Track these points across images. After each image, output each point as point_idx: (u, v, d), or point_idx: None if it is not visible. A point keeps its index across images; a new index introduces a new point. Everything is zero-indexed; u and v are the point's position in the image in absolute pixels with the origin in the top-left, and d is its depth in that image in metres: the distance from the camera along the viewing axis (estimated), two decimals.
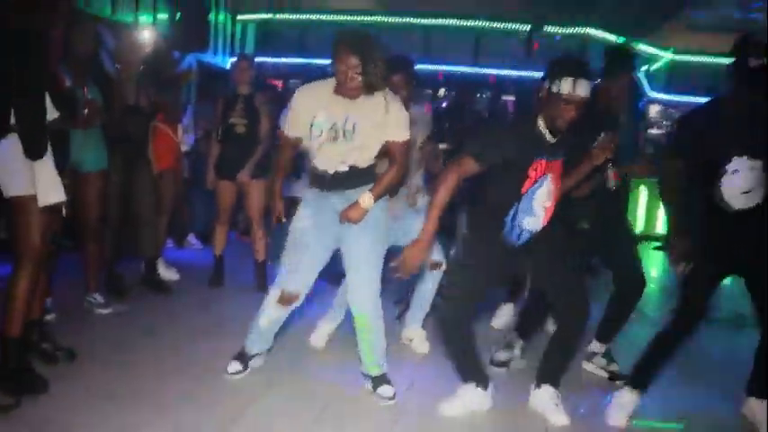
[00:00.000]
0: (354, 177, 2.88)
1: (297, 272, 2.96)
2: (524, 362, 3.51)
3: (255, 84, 4.74)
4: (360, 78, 2.69)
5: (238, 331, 3.25)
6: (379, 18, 10.54)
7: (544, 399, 2.92)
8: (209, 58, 9.45)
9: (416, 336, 3.74)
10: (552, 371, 2.95)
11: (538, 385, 2.96)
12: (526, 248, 2.78)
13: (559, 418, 2.86)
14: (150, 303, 4.18)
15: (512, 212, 2.68)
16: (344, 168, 2.86)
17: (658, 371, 2.98)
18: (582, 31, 10.36)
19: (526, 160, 2.63)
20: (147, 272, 4.44)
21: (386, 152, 2.90)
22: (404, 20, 10.48)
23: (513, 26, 10.38)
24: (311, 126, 2.81)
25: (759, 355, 2.92)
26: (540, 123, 2.64)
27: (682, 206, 2.91)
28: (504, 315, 4.28)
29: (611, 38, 10.48)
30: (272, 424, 2.71)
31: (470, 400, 2.93)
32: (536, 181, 2.65)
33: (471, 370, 2.94)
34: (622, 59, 3.32)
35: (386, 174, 2.88)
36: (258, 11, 11.60)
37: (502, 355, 3.50)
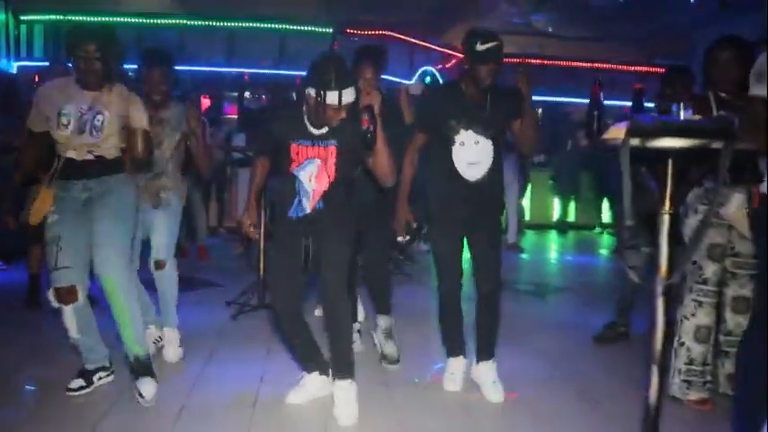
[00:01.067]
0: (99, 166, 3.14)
1: (66, 268, 3.08)
2: (362, 345, 3.97)
3: None
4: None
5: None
6: (180, 21, 10.75)
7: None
8: None
9: (167, 336, 3.85)
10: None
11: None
12: (308, 229, 3.05)
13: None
14: None
15: (294, 195, 3.01)
16: (90, 157, 3.11)
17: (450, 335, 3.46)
18: (380, 33, 11.36)
19: (286, 144, 3.00)
20: None
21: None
22: (206, 23, 10.79)
23: (316, 29, 11.15)
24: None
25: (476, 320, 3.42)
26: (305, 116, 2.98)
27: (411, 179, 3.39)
28: None
29: (408, 38, 11.61)
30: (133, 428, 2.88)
31: (314, 387, 3.20)
32: (300, 164, 2.98)
33: (311, 359, 3.21)
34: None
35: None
36: (45, 11, 11.31)
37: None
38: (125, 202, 3.18)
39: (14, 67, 10.74)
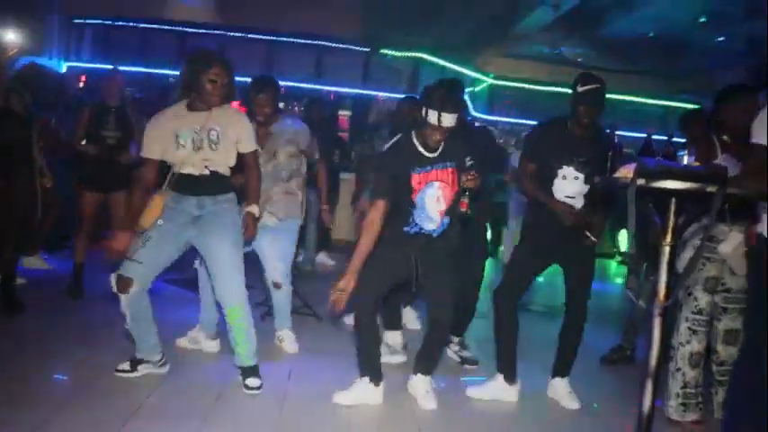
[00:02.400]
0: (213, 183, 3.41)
1: (137, 262, 3.30)
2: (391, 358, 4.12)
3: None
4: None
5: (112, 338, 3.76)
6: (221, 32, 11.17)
7: (418, 386, 3.55)
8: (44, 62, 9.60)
9: (286, 337, 4.24)
10: (425, 363, 3.56)
11: (414, 372, 3.57)
12: (422, 250, 3.35)
13: (429, 402, 3.48)
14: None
15: (410, 217, 3.30)
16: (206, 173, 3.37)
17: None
18: (414, 55, 11.68)
19: (406, 174, 3.26)
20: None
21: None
22: (246, 35, 11.17)
23: (353, 47, 11.50)
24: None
25: (560, 341, 3.74)
26: (416, 141, 3.30)
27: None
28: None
29: (441, 61, 11.92)
30: (168, 413, 3.12)
31: (363, 392, 3.40)
32: (421, 190, 3.26)
33: (370, 366, 3.41)
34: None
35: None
36: (95, 16, 11.75)
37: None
38: (237, 223, 3.45)
39: (64, 66, 11.19)
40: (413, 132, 3.31)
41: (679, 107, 13.24)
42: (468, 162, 3.22)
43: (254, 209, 3.46)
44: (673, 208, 2.33)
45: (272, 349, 4.18)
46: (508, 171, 8.55)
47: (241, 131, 3.41)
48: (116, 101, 5.05)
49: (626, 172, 2.26)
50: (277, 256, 4.12)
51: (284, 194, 4.10)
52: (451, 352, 4.30)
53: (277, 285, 4.15)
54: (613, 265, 10.41)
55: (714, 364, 3.55)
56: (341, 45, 10.97)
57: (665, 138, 8.67)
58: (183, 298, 5.16)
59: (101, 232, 5.09)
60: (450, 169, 3.31)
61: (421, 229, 3.32)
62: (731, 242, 3.33)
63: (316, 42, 11.22)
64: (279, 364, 3.91)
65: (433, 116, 3.13)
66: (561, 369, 3.70)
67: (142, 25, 11.44)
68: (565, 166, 3.45)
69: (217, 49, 10.94)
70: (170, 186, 3.38)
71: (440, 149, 3.30)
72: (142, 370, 3.51)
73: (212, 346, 4.04)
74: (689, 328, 3.50)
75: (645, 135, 9.76)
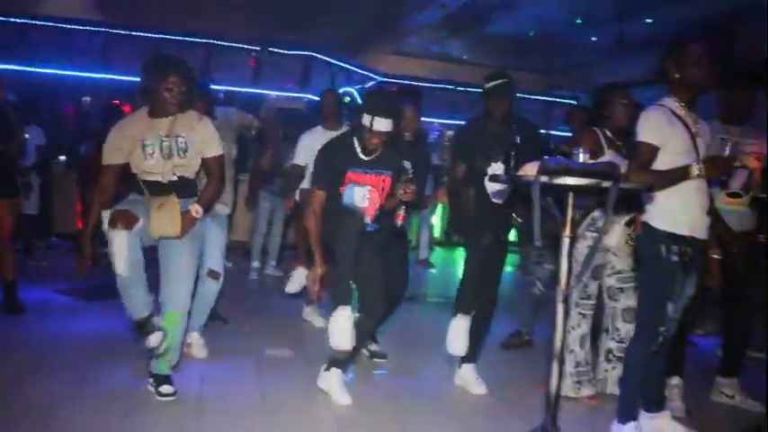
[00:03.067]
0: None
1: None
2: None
3: None
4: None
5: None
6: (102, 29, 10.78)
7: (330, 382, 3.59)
8: None
9: (195, 341, 4.14)
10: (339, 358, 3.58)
11: (327, 368, 3.62)
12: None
13: (344, 397, 3.52)
14: None
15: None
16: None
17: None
18: (304, 53, 11.71)
19: (343, 170, 3.41)
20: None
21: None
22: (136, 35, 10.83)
23: (243, 46, 11.39)
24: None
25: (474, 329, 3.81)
26: (356, 142, 3.45)
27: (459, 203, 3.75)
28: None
29: (331, 60, 12.00)
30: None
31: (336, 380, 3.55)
32: (350, 184, 3.40)
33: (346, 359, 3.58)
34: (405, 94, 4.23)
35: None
36: None
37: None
38: (199, 233, 3.43)
39: None
40: (355, 133, 3.46)
41: (557, 102, 14.02)
42: (410, 173, 3.34)
43: (197, 210, 3.33)
44: (571, 202, 2.55)
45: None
46: None
47: (206, 136, 3.38)
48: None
49: (530, 170, 2.45)
50: (217, 245, 4.11)
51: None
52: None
53: (215, 275, 4.11)
54: None
55: (614, 341, 3.80)
56: (231, 44, 10.81)
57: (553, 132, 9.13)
58: (77, 308, 5.05)
59: None
60: (384, 176, 3.46)
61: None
62: (615, 234, 3.63)
63: (204, 41, 11.00)
64: (189, 369, 3.87)
65: (366, 119, 3.29)
66: (470, 356, 3.84)
67: (13, 20, 10.77)
68: (493, 164, 3.58)
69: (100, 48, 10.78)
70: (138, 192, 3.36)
71: (377, 155, 3.44)
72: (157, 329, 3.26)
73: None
74: (579, 313, 3.78)
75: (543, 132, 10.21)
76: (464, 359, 3.85)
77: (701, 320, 5.33)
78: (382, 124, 3.29)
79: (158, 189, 3.32)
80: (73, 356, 3.91)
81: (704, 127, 3.08)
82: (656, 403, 3.26)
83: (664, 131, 2.90)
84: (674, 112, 2.96)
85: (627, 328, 3.71)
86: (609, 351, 3.81)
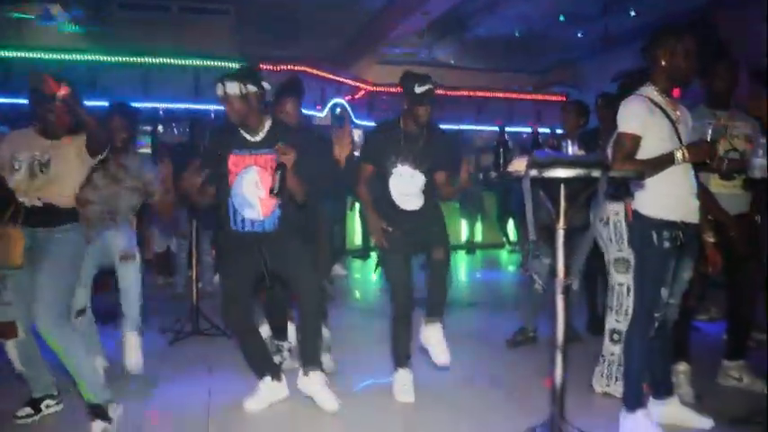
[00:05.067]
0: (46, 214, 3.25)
1: (8, 304, 3.26)
2: (295, 362, 4.07)
3: None
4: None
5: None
6: (92, 56, 10.76)
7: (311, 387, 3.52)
8: None
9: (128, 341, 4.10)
10: (309, 356, 3.54)
11: (305, 373, 3.51)
12: (264, 246, 3.41)
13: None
14: None
15: (230, 208, 3.38)
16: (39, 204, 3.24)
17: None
18: (294, 68, 11.76)
19: (224, 157, 3.37)
20: None
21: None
22: (122, 59, 10.85)
23: (229, 64, 11.40)
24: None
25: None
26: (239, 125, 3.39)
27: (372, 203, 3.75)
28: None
29: (319, 72, 12.05)
30: None
31: (269, 391, 3.51)
32: (237, 174, 3.37)
33: (263, 365, 3.53)
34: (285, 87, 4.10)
35: None
36: None
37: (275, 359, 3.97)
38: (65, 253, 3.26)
39: None
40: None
41: (550, 100, 14.08)
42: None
43: None
44: (563, 194, 2.57)
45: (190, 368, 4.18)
46: None
47: (80, 145, 3.30)
48: None
49: (519, 165, 2.47)
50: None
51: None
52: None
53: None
54: (504, 254, 10.92)
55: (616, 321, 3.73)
56: (218, 63, 10.84)
57: (549, 131, 9.14)
58: None
59: None
60: (270, 156, 3.33)
61: (251, 223, 3.40)
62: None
63: (193, 62, 11.05)
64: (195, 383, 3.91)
65: (218, 89, 3.28)
66: (433, 313, 3.79)
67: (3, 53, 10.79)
68: (399, 165, 3.59)
69: (87, 75, 10.78)
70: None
71: (263, 135, 3.41)
72: (46, 409, 3.41)
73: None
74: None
75: (530, 129, 10.27)
76: (427, 319, 3.78)
77: (704, 306, 5.34)
78: (228, 87, 3.24)
79: (25, 214, 3.26)
80: None
81: (685, 113, 3.12)
82: (664, 389, 3.27)
83: (644, 120, 2.94)
84: (653, 101, 2.99)
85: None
86: (613, 331, 3.75)
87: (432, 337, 3.76)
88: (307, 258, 3.51)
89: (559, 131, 5.69)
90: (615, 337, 3.71)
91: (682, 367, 3.67)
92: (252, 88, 3.29)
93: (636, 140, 2.93)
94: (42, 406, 3.41)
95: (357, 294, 7.60)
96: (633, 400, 3.06)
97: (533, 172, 2.41)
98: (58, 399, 3.49)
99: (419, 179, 3.63)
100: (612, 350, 3.73)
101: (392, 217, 3.68)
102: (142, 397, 3.74)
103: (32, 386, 3.40)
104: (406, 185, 3.62)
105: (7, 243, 3.18)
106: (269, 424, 3.39)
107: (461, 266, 9.88)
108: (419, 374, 3.80)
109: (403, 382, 3.71)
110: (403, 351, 3.75)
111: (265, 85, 3.38)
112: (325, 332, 4.27)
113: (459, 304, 6.58)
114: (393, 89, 12.64)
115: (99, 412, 3.16)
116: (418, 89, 3.46)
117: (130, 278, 4.08)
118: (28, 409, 3.37)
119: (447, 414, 3.52)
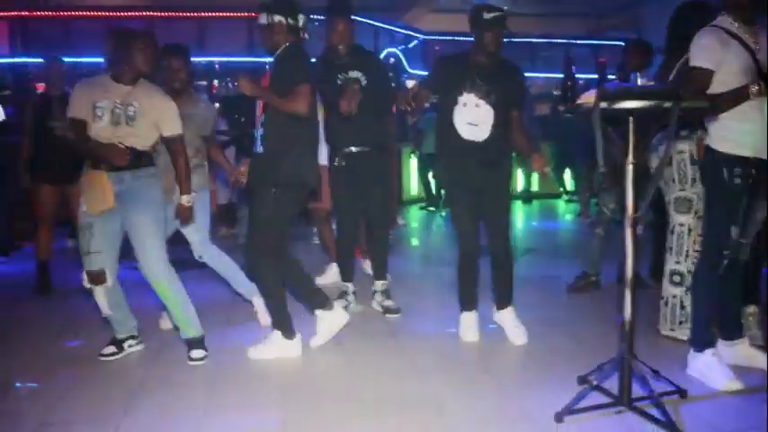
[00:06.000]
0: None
1: (97, 252, 3.36)
2: (360, 306, 4.33)
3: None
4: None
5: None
6: (148, 13, 10.89)
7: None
8: None
9: (258, 306, 4.10)
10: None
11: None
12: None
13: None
14: None
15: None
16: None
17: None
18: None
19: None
20: None
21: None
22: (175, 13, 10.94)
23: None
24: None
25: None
26: None
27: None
28: (330, 275, 5.05)
29: (369, 21, 11.92)
30: (170, 386, 3.28)
31: (279, 346, 3.50)
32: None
33: (282, 321, 3.51)
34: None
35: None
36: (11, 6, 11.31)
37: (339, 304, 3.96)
38: (157, 200, 3.44)
39: None
40: None
41: (606, 44, 13.66)
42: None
43: (184, 199, 3.50)
44: (632, 127, 2.51)
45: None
46: None
47: (163, 113, 3.40)
48: (58, 89, 4.99)
49: (588, 98, 2.41)
50: (197, 230, 3.96)
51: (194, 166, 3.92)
52: (375, 303, 4.37)
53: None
54: (561, 204, 10.77)
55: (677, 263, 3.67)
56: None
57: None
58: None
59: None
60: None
61: None
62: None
63: (247, 15, 11.05)
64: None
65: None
66: (504, 301, 3.78)
67: (63, 14, 11.05)
68: (465, 93, 3.49)
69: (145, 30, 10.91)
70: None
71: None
72: (128, 348, 3.59)
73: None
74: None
75: (596, 66, 9.92)
76: (498, 305, 3.79)
77: None
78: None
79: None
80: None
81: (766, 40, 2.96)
82: (734, 331, 3.21)
83: (718, 54, 2.81)
84: (728, 32, 2.85)
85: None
86: (673, 273, 3.67)
87: (506, 321, 3.76)
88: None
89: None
90: (676, 278, 3.63)
91: (751, 309, 3.59)
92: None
93: (708, 75, 2.82)
94: (125, 345, 3.58)
95: (415, 242, 7.62)
96: (701, 340, 3.02)
97: (603, 104, 2.35)
98: (138, 339, 3.65)
99: (485, 110, 3.51)
100: (674, 292, 3.65)
101: (456, 151, 3.60)
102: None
103: (117, 328, 3.57)
104: (472, 114, 3.51)
105: (97, 187, 3.28)
106: (318, 372, 3.47)
107: (518, 215, 9.79)
108: (480, 319, 3.81)
109: (468, 324, 3.75)
110: (468, 296, 3.77)
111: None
112: (384, 283, 4.36)
113: (516, 252, 6.54)
114: (446, 37, 12.48)
115: (198, 343, 3.50)
116: (487, 15, 3.39)
117: (223, 272, 4.14)
118: (112, 348, 3.54)
119: (510, 358, 3.54)
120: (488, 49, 3.45)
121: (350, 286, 4.38)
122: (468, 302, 3.78)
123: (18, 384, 3.22)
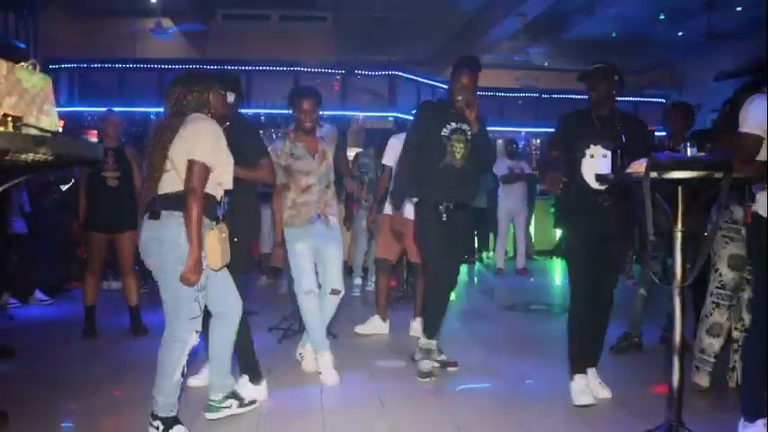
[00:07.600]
0: None
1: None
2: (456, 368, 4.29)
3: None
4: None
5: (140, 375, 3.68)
6: (198, 66, 11.26)
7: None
8: None
9: (307, 354, 4.25)
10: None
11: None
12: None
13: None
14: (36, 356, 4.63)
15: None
16: None
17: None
18: (387, 74, 11.93)
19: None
20: None
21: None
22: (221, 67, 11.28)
23: (328, 70, 11.70)
24: None
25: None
26: None
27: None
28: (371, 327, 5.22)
29: (413, 77, 12.16)
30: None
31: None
32: None
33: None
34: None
35: None
36: (68, 60, 11.83)
37: (426, 365, 4.05)
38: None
39: None
40: None
41: (648, 101, 13.66)
42: None
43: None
44: (681, 197, 2.53)
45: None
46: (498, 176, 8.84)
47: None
48: (114, 142, 5.18)
49: (638, 167, 2.45)
50: (335, 264, 4.15)
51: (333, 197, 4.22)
52: (428, 363, 4.11)
53: (336, 292, 4.18)
54: None
55: (739, 332, 3.75)
56: (317, 70, 11.12)
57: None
58: None
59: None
60: None
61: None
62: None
63: (292, 69, 11.38)
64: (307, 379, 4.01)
65: None
66: (592, 360, 3.76)
67: (118, 65, 11.50)
68: (592, 146, 3.50)
69: None
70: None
71: None
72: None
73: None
74: (713, 302, 3.77)
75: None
76: (586, 364, 3.74)
77: None
78: None
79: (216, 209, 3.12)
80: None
81: None
82: None
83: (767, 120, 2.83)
84: None
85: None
86: (735, 341, 3.74)
87: (592, 378, 3.75)
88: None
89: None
90: (736, 347, 3.73)
91: None
92: None
93: (758, 141, 2.84)
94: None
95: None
96: (753, 410, 2.96)
97: (653, 174, 2.38)
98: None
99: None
100: (735, 359, 3.78)
101: (583, 203, 3.56)
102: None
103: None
104: (600, 165, 3.29)
105: (226, 241, 3.10)
106: (375, 416, 3.48)
107: (556, 271, 9.72)
108: (523, 381, 3.79)
109: (581, 387, 3.63)
110: (582, 356, 3.68)
111: None
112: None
113: (556, 309, 6.52)
114: (486, 93, 12.64)
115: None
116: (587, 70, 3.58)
117: (333, 308, 4.26)
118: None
119: (560, 420, 3.50)
120: (592, 100, 3.60)
121: (434, 343, 4.17)
122: (581, 363, 3.69)
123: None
